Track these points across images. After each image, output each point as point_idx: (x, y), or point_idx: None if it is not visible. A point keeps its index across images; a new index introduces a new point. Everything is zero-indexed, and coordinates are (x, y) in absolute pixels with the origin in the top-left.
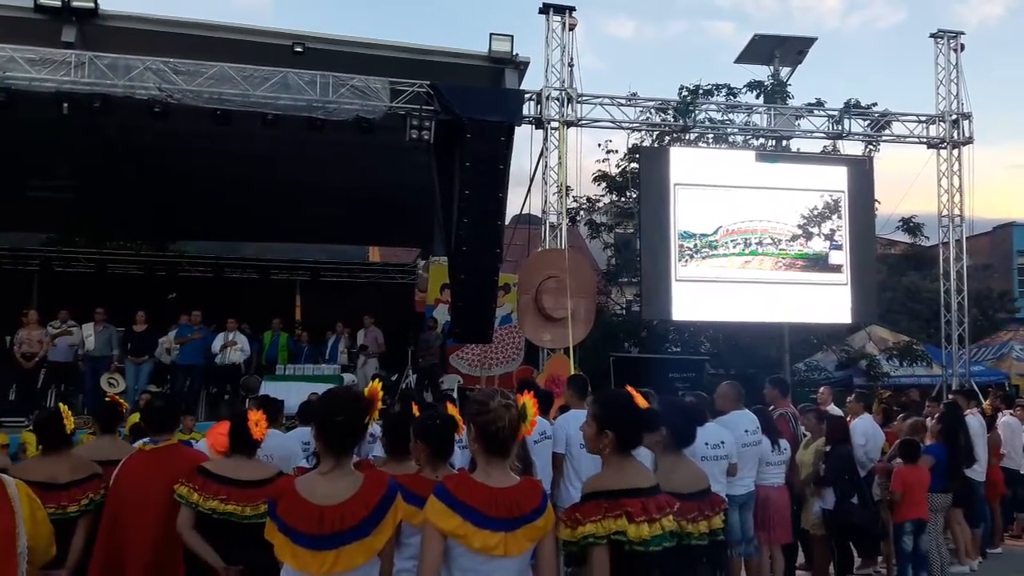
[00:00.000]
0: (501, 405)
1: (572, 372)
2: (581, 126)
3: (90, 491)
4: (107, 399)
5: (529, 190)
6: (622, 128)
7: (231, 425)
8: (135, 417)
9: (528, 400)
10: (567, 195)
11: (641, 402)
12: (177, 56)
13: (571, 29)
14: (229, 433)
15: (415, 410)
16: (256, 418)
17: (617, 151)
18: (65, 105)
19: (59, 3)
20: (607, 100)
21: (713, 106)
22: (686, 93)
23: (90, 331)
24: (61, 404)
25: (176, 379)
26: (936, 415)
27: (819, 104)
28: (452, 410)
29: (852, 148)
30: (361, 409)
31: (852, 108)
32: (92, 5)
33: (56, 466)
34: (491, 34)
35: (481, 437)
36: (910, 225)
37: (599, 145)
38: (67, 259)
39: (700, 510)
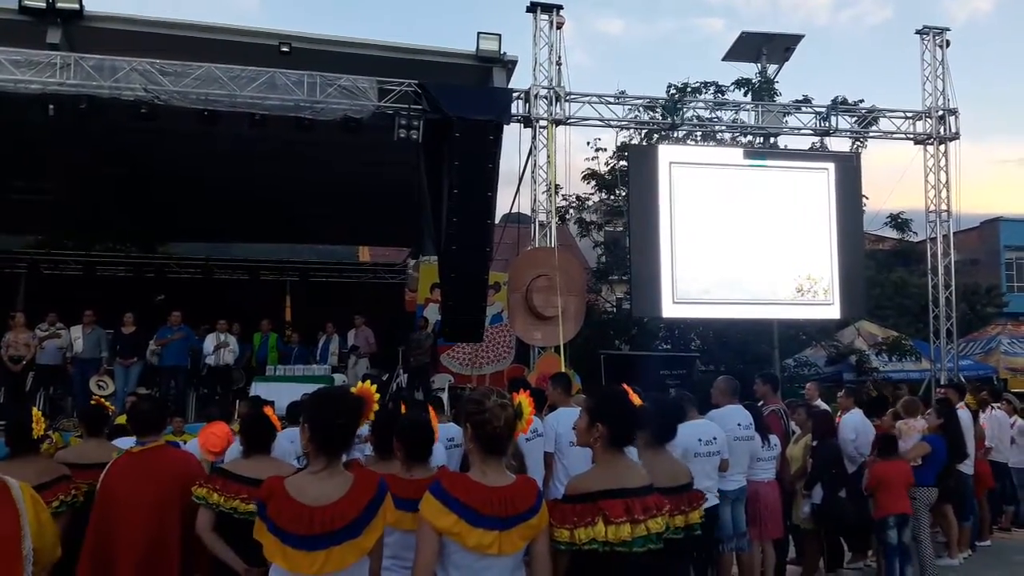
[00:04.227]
0: (497, 404)
1: (562, 370)
2: (570, 124)
3: (60, 493)
4: (92, 402)
5: (518, 189)
6: (611, 126)
7: (245, 424)
8: (122, 419)
9: (524, 399)
10: (556, 193)
11: (636, 400)
12: (163, 57)
13: (559, 27)
14: (243, 432)
15: (403, 409)
16: (271, 412)
17: (606, 149)
18: (51, 107)
19: (44, 5)
20: (595, 98)
21: (701, 104)
22: (674, 91)
23: (78, 333)
24: (33, 408)
25: (161, 381)
26: (934, 410)
27: (806, 101)
28: (432, 414)
29: (839, 145)
30: (358, 411)
31: (839, 105)
32: (77, 6)
33: (22, 471)
34: (479, 33)
35: (477, 436)
36: (898, 221)
37: (588, 143)
38: (55, 261)
39: (677, 505)
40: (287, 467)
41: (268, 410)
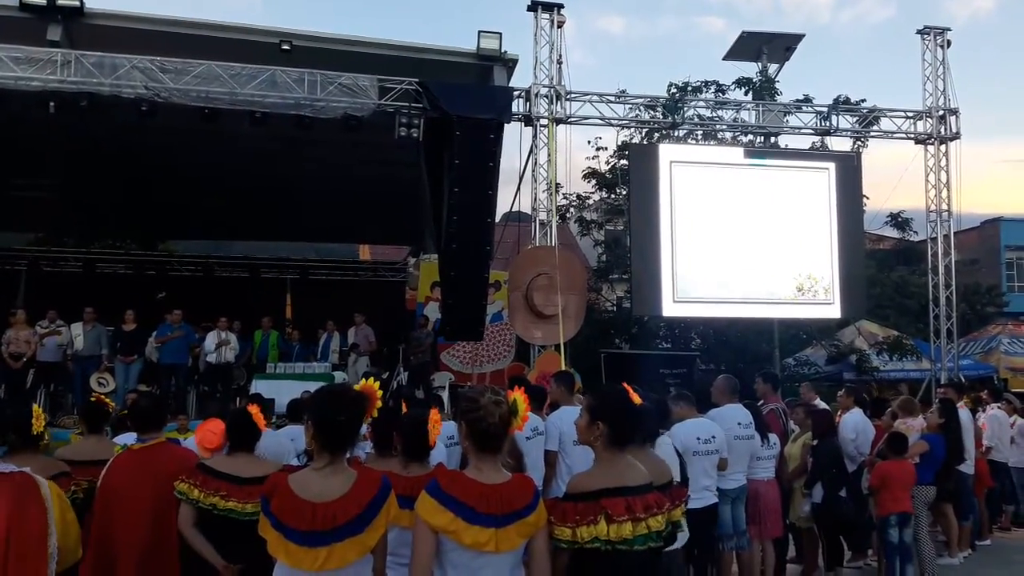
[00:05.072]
0: (491, 402)
1: (562, 368)
2: (570, 123)
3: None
4: (92, 399)
5: (519, 187)
6: (611, 125)
7: (230, 422)
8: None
9: (519, 396)
10: (557, 192)
11: (637, 400)
12: (164, 54)
13: (560, 26)
14: (227, 430)
15: (404, 407)
16: (255, 411)
17: (607, 148)
18: (52, 104)
19: (44, 2)
20: (596, 97)
21: (702, 103)
22: (675, 90)
23: (79, 331)
24: (34, 405)
25: (160, 378)
26: (936, 409)
27: (807, 100)
28: (434, 413)
29: (840, 144)
30: (362, 408)
31: (840, 104)
32: (78, 3)
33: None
34: (480, 31)
35: (472, 434)
36: (898, 220)
37: (588, 142)
38: (55, 258)
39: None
40: (270, 465)
41: (253, 409)
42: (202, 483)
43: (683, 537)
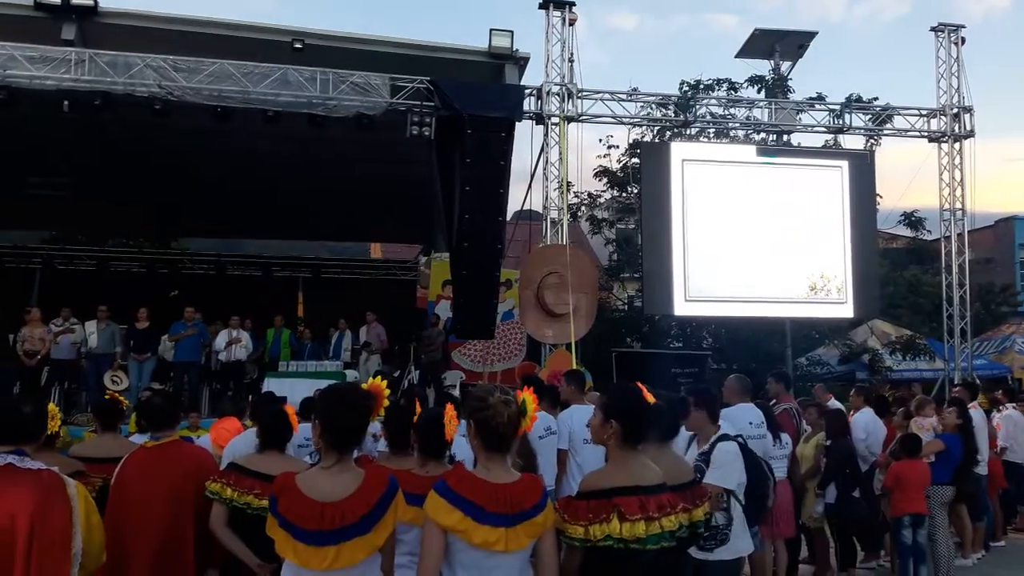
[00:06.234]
0: (500, 401)
1: (574, 367)
2: (582, 121)
3: None
4: (107, 397)
5: (530, 186)
6: (623, 123)
7: (265, 420)
8: None
9: (528, 396)
10: (568, 190)
11: (651, 399)
12: (177, 53)
13: (571, 24)
14: (261, 428)
15: (417, 406)
16: (291, 411)
17: (618, 146)
18: (66, 103)
19: (59, 1)
20: (608, 95)
21: (714, 101)
22: (687, 88)
23: (93, 329)
24: (51, 404)
25: (175, 376)
26: (955, 410)
27: (820, 98)
28: (449, 409)
29: (853, 142)
30: (368, 408)
31: (853, 102)
32: (92, 3)
33: None
34: (491, 30)
35: (480, 433)
36: (912, 219)
37: (600, 140)
38: (69, 257)
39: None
40: (301, 464)
41: (289, 409)
42: (235, 482)
43: (745, 545)
